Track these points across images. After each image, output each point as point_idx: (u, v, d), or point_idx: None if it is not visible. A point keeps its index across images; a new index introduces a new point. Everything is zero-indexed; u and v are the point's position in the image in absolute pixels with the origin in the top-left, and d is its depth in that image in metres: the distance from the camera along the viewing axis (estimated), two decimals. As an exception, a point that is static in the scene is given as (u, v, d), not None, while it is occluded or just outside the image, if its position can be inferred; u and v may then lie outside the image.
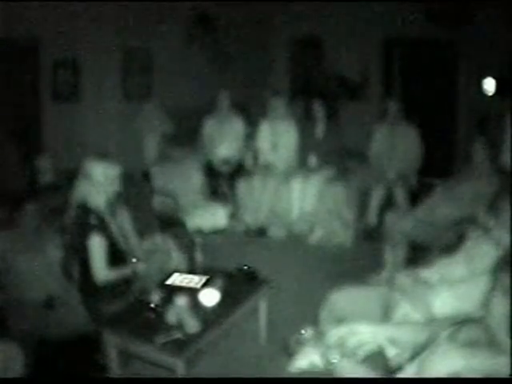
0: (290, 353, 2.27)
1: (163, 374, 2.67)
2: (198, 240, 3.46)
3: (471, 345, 1.73)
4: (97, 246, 2.94)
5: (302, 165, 5.50)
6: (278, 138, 5.55)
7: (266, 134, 5.62)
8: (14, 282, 3.14)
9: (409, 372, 1.81)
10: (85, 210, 2.99)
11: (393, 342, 1.99)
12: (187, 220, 4.83)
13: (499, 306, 1.81)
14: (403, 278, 2.57)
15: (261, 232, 5.33)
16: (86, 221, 2.96)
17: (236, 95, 6.02)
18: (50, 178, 4.91)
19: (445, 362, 1.65)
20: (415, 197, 4.84)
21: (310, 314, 2.89)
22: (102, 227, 2.99)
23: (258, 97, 7.13)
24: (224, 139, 5.73)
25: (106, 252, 2.97)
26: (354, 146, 5.86)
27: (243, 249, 4.91)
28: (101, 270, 2.95)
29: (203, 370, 2.94)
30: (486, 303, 1.97)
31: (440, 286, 2.42)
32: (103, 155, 3.12)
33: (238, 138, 5.79)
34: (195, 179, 5.60)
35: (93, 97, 5.75)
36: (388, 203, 5.12)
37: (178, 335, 2.55)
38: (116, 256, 3.05)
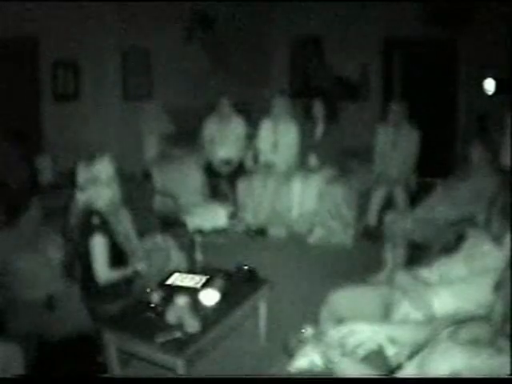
0: (290, 353, 2.27)
1: (163, 373, 2.68)
2: (198, 240, 3.45)
3: (472, 344, 1.73)
4: (99, 246, 2.95)
5: (302, 165, 5.50)
6: (279, 137, 5.55)
7: (266, 133, 5.62)
8: (13, 282, 3.14)
9: (409, 371, 1.81)
10: (87, 210, 3.00)
11: (392, 341, 1.99)
12: (187, 220, 4.83)
13: (502, 306, 1.81)
14: (403, 278, 2.57)
15: (261, 232, 5.33)
16: (89, 221, 2.97)
17: (236, 95, 6.02)
18: (50, 178, 4.91)
19: (445, 361, 1.65)
20: (415, 197, 4.84)
21: (310, 313, 2.89)
22: (105, 227, 2.99)
23: (258, 97, 7.14)
24: (224, 139, 5.73)
25: (108, 252, 2.98)
26: (354, 146, 5.86)
27: (243, 249, 4.91)
28: (103, 270, 2.97)
29: (203, 369, 2.94)
30: (489, 302, 1.97)
31: (440, 285, 2.42)
32: (103, 155, 3.12)
33: (239, 137, 5.79)
34: (195, 179, 5.60)
35: (93, 97, 5.75)
36: (388, 203, 5.12)
37: (178, 335, 2.55)
38: (117, 256, 3.06)
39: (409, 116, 5.32)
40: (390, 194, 5.16)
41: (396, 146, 5.28)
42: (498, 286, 1.96)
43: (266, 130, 5.62)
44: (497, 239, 2.44)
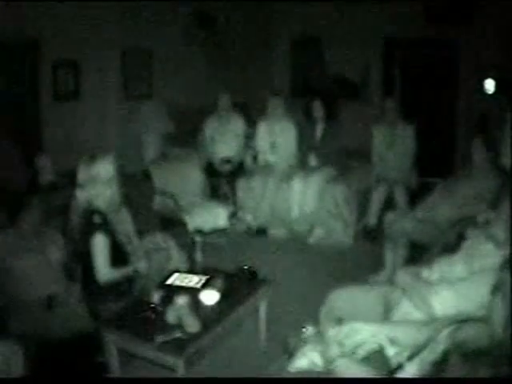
0: (290, 352, 2.27)
1: (163, 373, 2.68)
2: (198, 240, 3.45)
3: (472, 344, 1.73)
4: (100, 245, 2.94)
5: (302, 165, 5.50)
6: (277, 137, 5.56)
7: (264, 133, 5.63)
8: (14, 282, 3.14)
9: (409, 371, 1.81)
10: (88, 209, 3.00)
11: (393, 341, 1.99)
12: (187, 220, 4.83)
13: (501, 306, 1.81)
14: (403, 278, 2.57)
15: (261, 232, 5.33)
16: (89, 220, 2.96)
17: (236, 95, 6.01)
18: (50, 178, 4.90)
19: (444, 361, 1.65)
20: (415, 197, 4.84)
21: (310, 313, 2.89)
22: (105, 227, 2.99)
23: (258, 97, 7.13)
24: (224, 139, 5.73)
25: (108, 251, 2.97)
26: (354, 146, 5.86)
27: (243, 249, 4.91)
28: (104, 269, 2.96)
29: (203, 369, 2.94)
30: (488, 302, 1.97)
31: (440, 285, 2.42)
32: (103, 155, 3.11)
33: (238, 137, 5.79)
34: (195, 179, 5.59)
35: (93, 97, 5.75)
36: (388, 203, 5.12)
37: (178, 335, 2.55)
38: (118, 255, 3.05)
39: (409, 116, 5.32)
40: (390, 194, 5.16)
41: (396, 145, 5.28)
42: (497, 286, 1.96)
43: (263, 130, 5.63)
44: (497, 239, 2.44)
